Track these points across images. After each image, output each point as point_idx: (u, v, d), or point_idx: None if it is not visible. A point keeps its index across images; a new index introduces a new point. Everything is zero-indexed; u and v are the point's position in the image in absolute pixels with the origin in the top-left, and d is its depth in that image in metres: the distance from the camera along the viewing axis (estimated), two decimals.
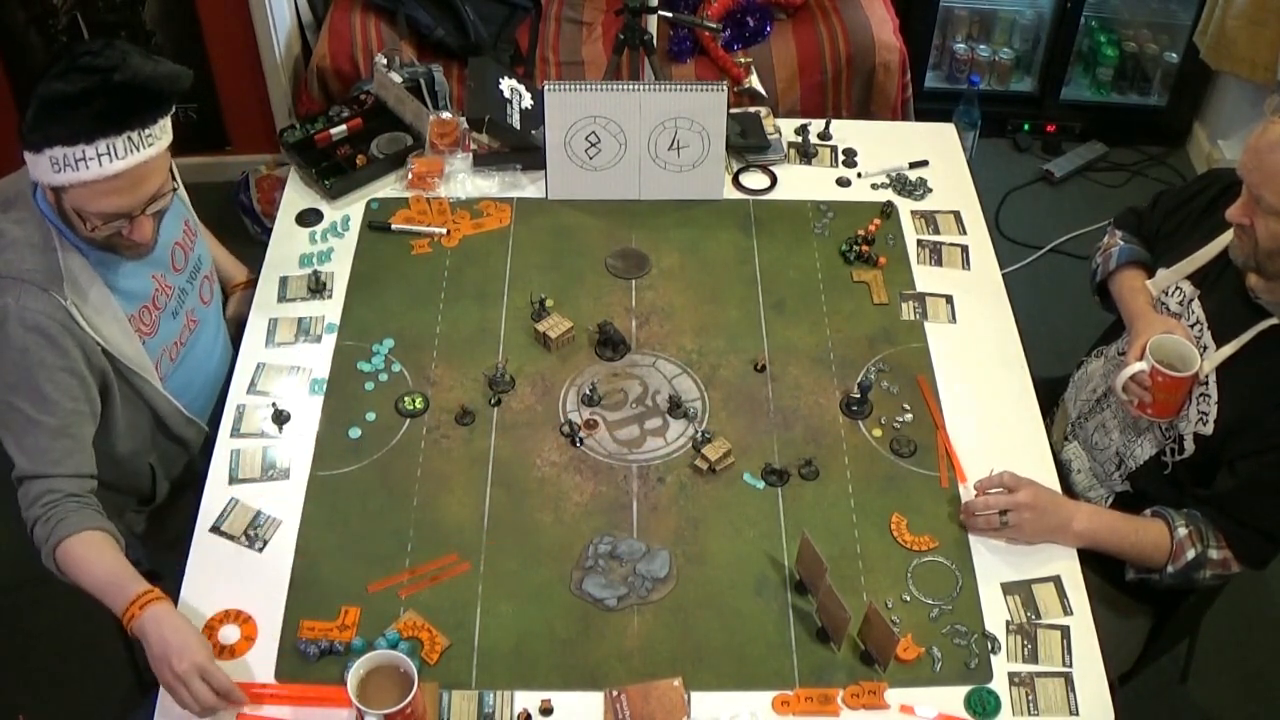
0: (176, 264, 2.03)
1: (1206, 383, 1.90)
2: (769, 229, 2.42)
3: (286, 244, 2.35)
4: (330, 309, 2.22)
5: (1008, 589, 1.84)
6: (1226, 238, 1.92)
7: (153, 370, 1.96)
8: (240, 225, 3.54)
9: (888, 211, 2.44)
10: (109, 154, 1.71)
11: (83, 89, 1.68)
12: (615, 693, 1.70)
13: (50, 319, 1.78)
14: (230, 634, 1.76)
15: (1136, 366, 1.91)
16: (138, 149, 1.74)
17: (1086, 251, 3.53)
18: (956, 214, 2.46)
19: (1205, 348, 1.91)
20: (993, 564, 1.87)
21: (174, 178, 1.87)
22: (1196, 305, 1.97)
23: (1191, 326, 1.96)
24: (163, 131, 1.79)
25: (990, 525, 1.88)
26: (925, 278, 2.33)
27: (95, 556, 1.76)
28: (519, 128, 2.48)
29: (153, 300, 1.97)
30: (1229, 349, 1.88)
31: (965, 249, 2.38)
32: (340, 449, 2.00)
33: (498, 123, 2.45)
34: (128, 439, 1.97)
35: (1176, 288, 2.02)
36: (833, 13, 3.52)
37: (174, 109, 1.81)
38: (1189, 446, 1.92)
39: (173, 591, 1.81)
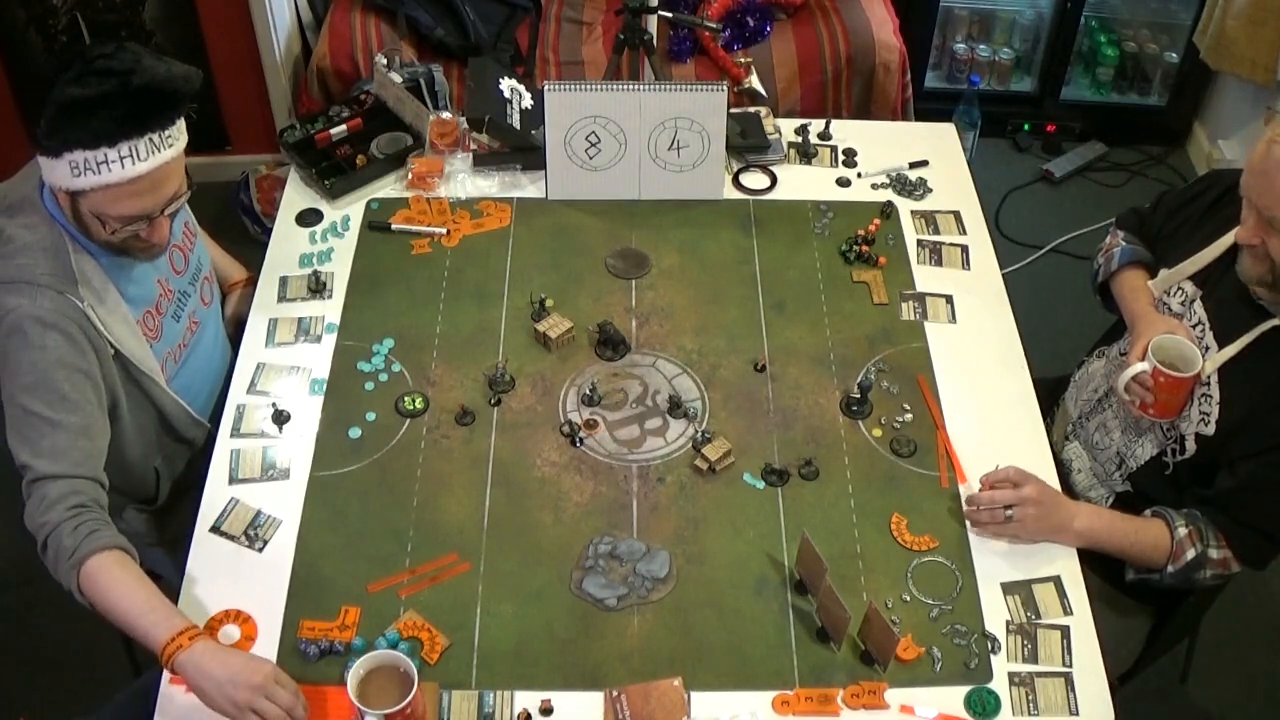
0: (177, 267, 2.03)
1: (1208, 383, 1.90)
2: (769, 229, 2.42)
3: (286, 244, 2.35)
4: (330, 309, 2.22)
5: (1008, 589, 1.84)
6: (1229, 239, 1.91)
7: (160, 372, 1.96)
8: (240, 225, 3.54)
9: (888, 211, 2.44)
10: (131, 156, 1.71)
11: (102, 92, 1.68)
12: (615, 693, 1.70)
13: (68, 319, 1.78)
14: (230, 634, 1.76)
15: (1138, 367, 1.91)
16: (158, 150, 1.74)
17: (1086, 251, 3.54)
18: (956, 214, 2.46)
19: (1207, 348, 1.91)
20: (993, 564, 1.87)
21: (190, 179, 1.87)
22: (1198, 306, 1.97)
23: (1193, 327, 1.96)
24: (180, 133, 1.79)
25: (995, 520, 1.88)
26: (925, 278, 2.33)
27: (133, 579, 1.70)
28: (519, 128, 2.48)
29: (156, 305, 1.97)
30: (1231, 350, 1.88)
31: (965, 249, 2.38)
32: (340, 449, 2.00)
33: (498, 123, 2.45)
34: (136, 444, 1.96)
35: (1178, 288, 2.02)
36: (833, 13, 3.52)
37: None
38: (1190, 447, 1.91)
39: (173, 591, 1.81)
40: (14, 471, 1.80)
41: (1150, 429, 2.00)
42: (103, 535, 1.72)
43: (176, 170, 1.80)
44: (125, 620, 1.68)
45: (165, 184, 1.78)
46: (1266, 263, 1.79)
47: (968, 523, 1.91)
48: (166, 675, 1.71)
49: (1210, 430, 1.88)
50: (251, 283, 2.31)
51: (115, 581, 1.69)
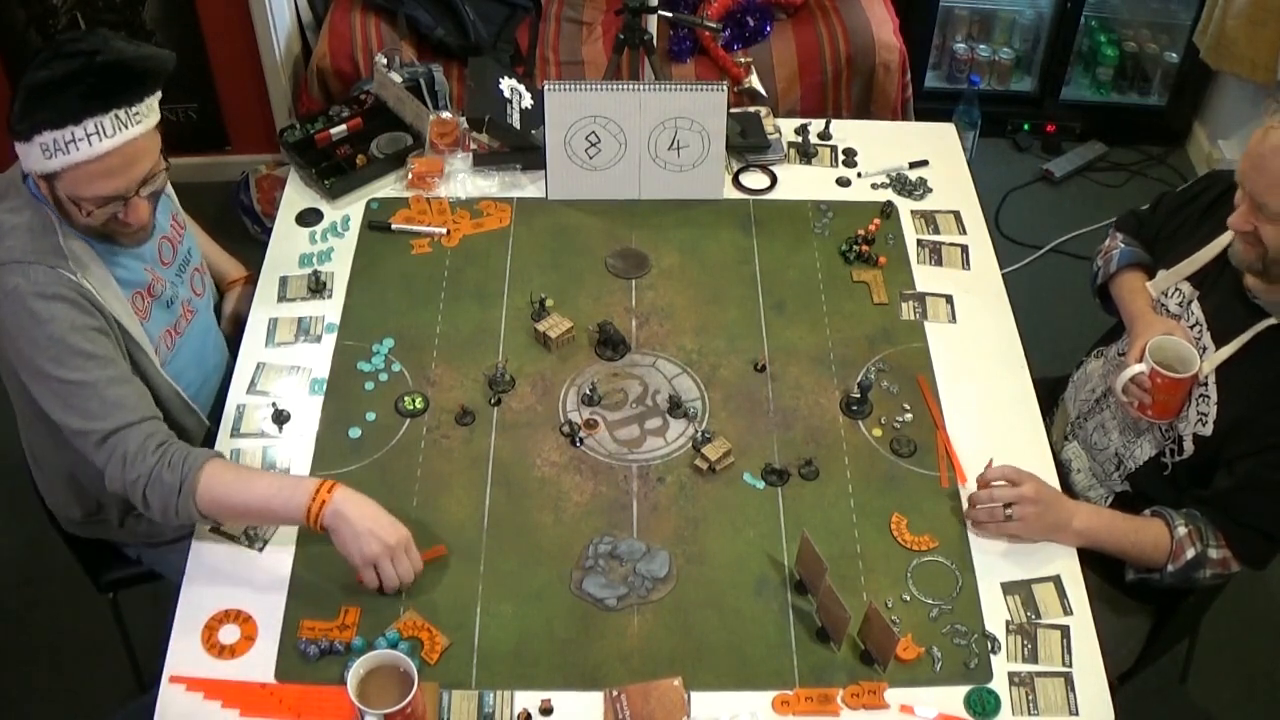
0: (164, 258, 2.02)
1: (1206, 384, 1.90)
2: (769, 229, 2.42)
3: (286, 244, 2.35)
4: (330, 309, 2.22)
5: (1008, 589, 1.84)
6: (1226, 239, 1.91)
7: (153, 351, 1.95)
8: (240, 225, 3.55)
9: (888, 211, 2.44)
10: (98, 133, 1.71)
11: (68, 72, 1.69)
12: (615, 693, 1.70)
13: (67, 287, 1.78)
14: (230, 634, 1.76)
15: (1136, 368, 1.91)
16: (125, 126, 1.73)
17: (1086, 251, 3.53)
18: (956, 214, 2.46)
19: (1205, 349, 1.91)
20: (993, 564, 1.87)
21: (165, 160, 1.86)
22: (1196, 306, 1.97)
23: (1191, 327, 1.96)
24: (150, 110, 1.78)
25: (994, 518, 1.87)
26: (925, 278, 2.33)
27: (246, 475, 1.81)
28: (519, 128, 2.48)
29: (149, 288, 1.96)
30: (1228, 350, 1.88)
31: (965, 249, 2.38)
32: (340, 449, 2.00)
33: (498, 123, 2.45)
34: None
35: (1176, 289, 2.02)
36: (833, 13, 3.52)
37: (160, 91, 1.80)
38: (1188, 447, 1.92)
39: (173, 591, 1.81)
40: (14, 473, 1.80)
41: (1148, 430, 2.00)
42: (194, 456, 1.78)
43: (148, 148, 1.79)
44: (260, 513, 1.78)
45: (137, 162, 1.78)
46: (1258, 248, 1.79)
47: (968, 522, 1.91)
48: (165, 679, 1.71)
49: (1208, 431, 1.88)
50: (250, 281, 2.30)
51: (229, 484, 1.77)
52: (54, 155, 1.71)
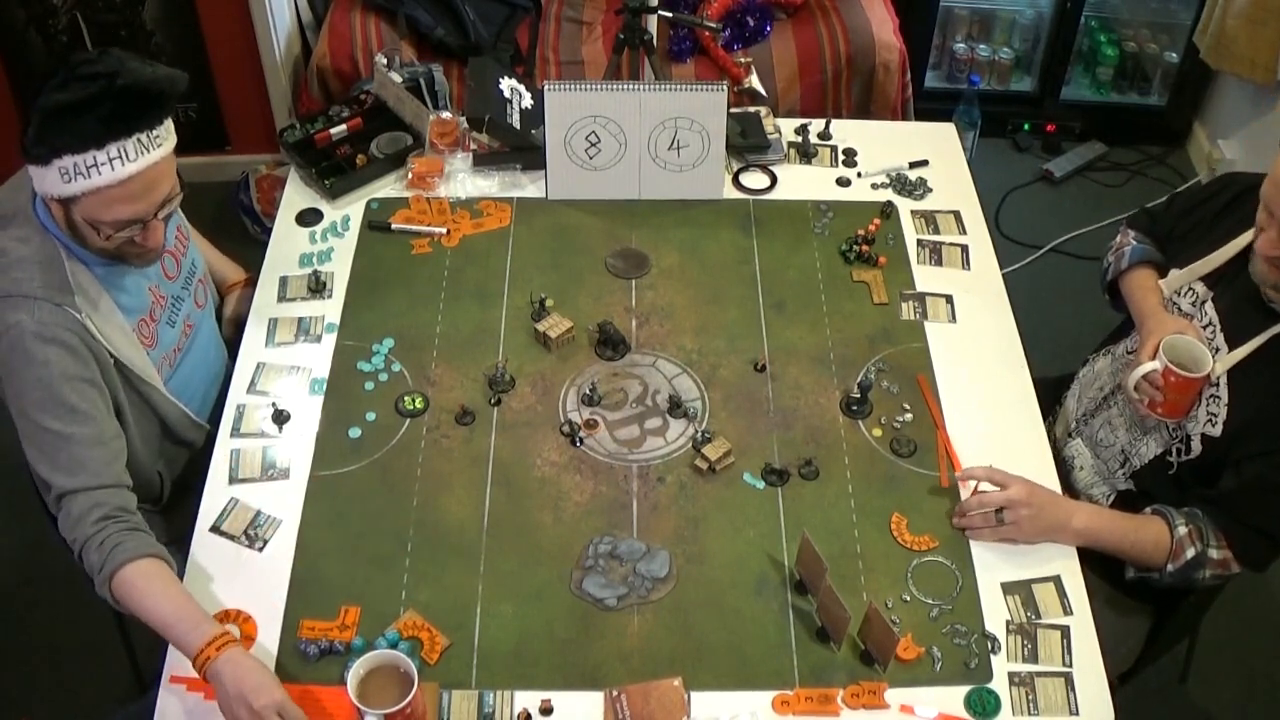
0: (169, 272, 2.02)
1: (1217, 384, 1.89)
2: (769, 229, 2.42)
3: (286, 244, 2.35)
4: (330, 309, 2.22)
5: (1008, 589, 1.84)
6: (1241, 241, 1.91)
7: (158, 378, 1.96)
8: (240, 225, 3.55)
9: (888, 211, 2.44)
10: (120, 157, 1.70)
11: (88, 95, 1.67)
12: (615, 693, 1.70)
13: (68, 331, 1.77)
14: (230, 633, 1.75)
15: (1149, 365, 1.90)
16: (147, 150, 1.73)
17: (1087, 251, 3.54)
18: (956, 214, 2.46)
19: (1217, 349, 1.91)
20: (993, 564, 1.87)
21: (181, 182, 1.86)
22: (1209, 307, 1.96)
23: (1204, 328, 1.95)
24: (168, 133, 1.78)
25: (987, 523, 1.87)
26: (925, 277, 2.33)
27: (159, 590, 1.70)
28: (519, 127, 2.48)
29: (150, 313, 1.96)
30: (1241, 352, 1.88)
31: (965, 249, 2.38)
32: (340, 449, 2.00)
33: (498, 122, 2.45)
34: (141, 450, 1.96)
35: (1189, 288, 2.02)
36: (833, 13, 3.52)
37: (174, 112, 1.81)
38: (1196, 447, 1.91)
39: None
40: (14, 473, 1.80)
41: (1155, 428, 1.99)
42: (126, 547, 1.72)
43: (168, 171, 1.80)
44: (162, 631, 1.70)
45: (157, 186, 1.77)
46: None
47: (965, 530, 1.91)
48: (164, 679, 1.71)
49: (1217, 431, 1.88)
50: (250, 283, 2.30)
51: (141, 595, 1.70)
52: (74, 179, 1.70)
